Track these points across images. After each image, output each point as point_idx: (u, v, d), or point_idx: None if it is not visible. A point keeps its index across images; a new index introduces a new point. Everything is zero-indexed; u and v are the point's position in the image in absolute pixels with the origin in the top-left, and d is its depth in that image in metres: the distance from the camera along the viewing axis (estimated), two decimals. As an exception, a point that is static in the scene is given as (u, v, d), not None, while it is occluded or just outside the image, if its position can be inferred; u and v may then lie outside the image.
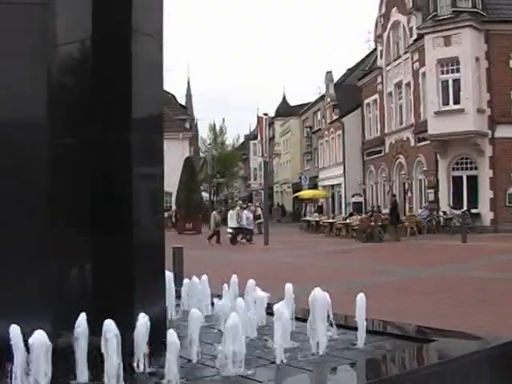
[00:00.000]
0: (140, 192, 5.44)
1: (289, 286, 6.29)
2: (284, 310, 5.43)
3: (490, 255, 26.13)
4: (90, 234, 5.33)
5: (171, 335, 4.46)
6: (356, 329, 5.70)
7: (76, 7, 5.50)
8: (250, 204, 60.41)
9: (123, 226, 5.33)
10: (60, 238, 5.42)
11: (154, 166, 5.78)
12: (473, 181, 40.20)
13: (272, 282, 8.63)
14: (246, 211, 40.78)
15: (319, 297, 5.54)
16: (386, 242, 34.47)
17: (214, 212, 41.88)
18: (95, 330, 4.43)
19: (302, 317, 6.12)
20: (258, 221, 49.77)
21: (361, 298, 5.68)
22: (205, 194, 76.78)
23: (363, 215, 42.76)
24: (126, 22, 5.41)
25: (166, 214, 54.81)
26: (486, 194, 39.33)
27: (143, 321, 4.67)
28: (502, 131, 39.38)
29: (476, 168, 39.99)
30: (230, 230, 37.61)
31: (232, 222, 38.01)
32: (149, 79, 5.71)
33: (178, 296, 7.59)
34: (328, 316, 5.55)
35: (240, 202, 53.17)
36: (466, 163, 40.60)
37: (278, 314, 5.30)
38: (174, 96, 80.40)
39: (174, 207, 57.58)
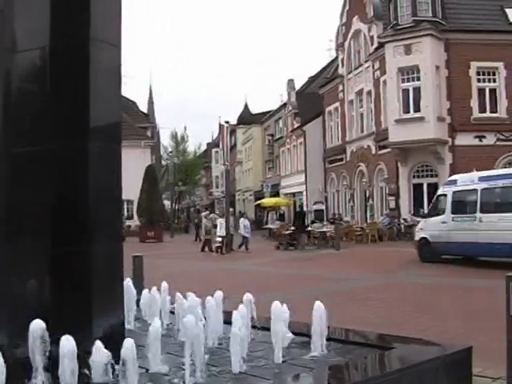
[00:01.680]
0: (98, 201, 5.38)
1: (248, 296, 6.25)
2: (242, 319, 5.41)
3: (449, 262, 26.29)
4: (47, 245, 5.25)
5: (128, 344, 4.41)
6: (315, 336, 5.68)
7: (34, 14, 5.44)
8: (209, 212, 60.59)
9: (81, 236, 5.28)
10: (18, 249, 5.35)
11: (112, 175, 5.71)
12: (433, 188, 40.33)
13: (230, 290, 8.61)
14: (242, 219, 40.51)
15: (278, 306, 5.53)
16: (345, 249, 34.58)
17: (204, 220, 41.59)
18: (53, 340, 4.37)
19: (261, 325, 6.10)
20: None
21: (319, 305, 5.66)
22: (167, 202, 76.60)
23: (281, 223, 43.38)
24: (84, 29, 5.37)
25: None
26: (446, 201, 39.56)
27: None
28: (462, 139, 39.74)
29: (436, 175, 40.27)
30: (219, 239, 37.09)
31: (222, 231, 37.57)
32: (107, 87, 5.66)
33: (138, 305, 7.55)
34: (287, 324, 5.53)
35: (211, 212, 53.27)
36: (427, 171, 40.91)
37: (235, 324, 5.27)
38: (135, 103, 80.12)
39: (135, 216, 57.31)
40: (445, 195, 26.73)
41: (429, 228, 26.83)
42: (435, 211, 27.30)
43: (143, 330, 6.22)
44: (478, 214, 24.23)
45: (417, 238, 27.82)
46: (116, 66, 5.88)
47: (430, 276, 22.02)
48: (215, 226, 39.10)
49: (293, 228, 39.52)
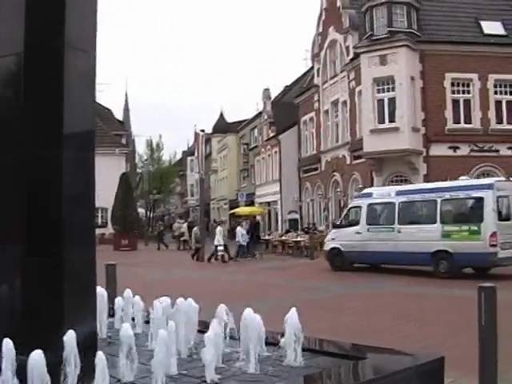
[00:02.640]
0: (71, 209, 5.34)
1: (222, 307, 6.24)
2: (216, 328, 5.38)
3: (423, 272, 26.43)
4: (19, 252, 5.21)
5: (100, 355, 4.38)
6: (289, 346, 5.67)
7: (8, 21, 5.41)
8: (180, 221, 60.73)
9: (54, 244, 5.23)
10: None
11: (85, 183, 5.68)
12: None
13: (206, 300, 8.58)
14: (239, 227, 40.30)
15: (251, 316, 5.51)
16: (320, 259, 34.59)
17: (195, 228, 41.40)
18: (24, 349, 4.32)
19: (236, 335, 6.07)
20: (183, 238, 50.19)
21: (292, 314, 5.64)
22: (141, 210, 76.39)
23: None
24: (58, 36, 5.34)
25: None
26: (420, 211, 39.75)
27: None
28: (436, 149, 39.94)
29: (411, 186, 40.45)
30: (221, 248, 36.83)
31: (221, 239, 37.40)
32: (81, 94, 5.64)
33: (111, 314, 7.49)
34: (261, 334, 5.51)
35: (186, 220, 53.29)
36: (401, 181, 41.03)
37: (209, 333, 5.24)
38: (110, 111, 79.88)
39: (109, 223, 57.11)
40: (358, 207, 28.54)
41: (341, 238, 28.33)
42: (348, 222, 29.06)
43: (115, 339, 6.17)
44: (397, 226, 26.46)
45: (327, 248, 29.24)
46: (91, 74, 5.85)
47: (405, 286, 22.12)
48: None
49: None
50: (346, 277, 25.97)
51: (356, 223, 28.30)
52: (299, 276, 27.48)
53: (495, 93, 41.05)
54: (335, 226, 30.49)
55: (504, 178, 26.84)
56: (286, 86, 74.22)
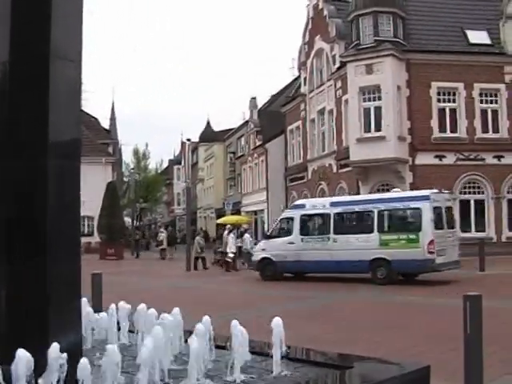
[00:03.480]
0: (56, 219, 5.31)
1: (206, 318, 6.22)
2: (199, 338, 5.36)
3: (406, 280, 26.48)
4: (3, 260, 5.17)
5: (84, 365, 4.36)
6: (275, 356, 5.65)
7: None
8: (162, 230, 60.87)
9: (39, 254, 5.20)
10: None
11: (71, 193, 5.65)
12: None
13: (197, 308, 8.57)
14: (247, 234, 40.25)
15: (237, 325, 5.50)
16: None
17: (197, 237, 41.34)
18: (7, 358, 4.29)
19: (221, 344, 6.05)
20: (161, 246, 50.19)
21: (277, 323, 5.63)
22: (127, 219, 76.23)
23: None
24: (44, 46, 5.32)
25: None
26: (406, 220, 39.87)
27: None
28: (422, 158, 40.12)
29: (397, 194, 40.54)
30: (231, 255, 36.77)
31: (233, 247, 37.38)
32: (67, 104, 5.61)
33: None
34: (245, 343, 5.50)
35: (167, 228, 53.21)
36: (388, 190, 40.99)
37: (193, 342, 5.22)
38: (97, 120, 79.84)
39: (95, 232, 57.01)
40: (290, 218, 29.32)
41: (273, 248, 28.96)
42: (279, 233, 29.75)
43: (101, 350, 6.13)
44: (332, 235, 27.51)
45: (257, 258, 29.88)
46: (76, 83, 5.84)
47: (394, 294, 22.15)
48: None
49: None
50: (329, 287, 25.96)
51: (288, 234, 29.03)
52: (283, 285, 27.41)
53: (481, 102, 41.32)
54: (266, 237, 30.89)
55: (437, 190, 28.18)
56: (273, 95, 74.40)
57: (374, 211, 26.86)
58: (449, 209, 27.85)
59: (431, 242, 25.15)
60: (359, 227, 27.91)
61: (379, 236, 26.40)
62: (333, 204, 28.75)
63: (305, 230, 28.83)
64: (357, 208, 28.04)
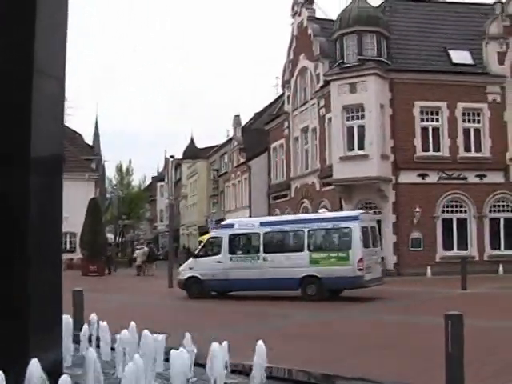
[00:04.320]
0: (37, 234, 5.29)
1: (187, 336, 6.21)
2: (182, 356, 5.35)
3: (391, 298, 26.55)
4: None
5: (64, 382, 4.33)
6: (256, 375, 5.62)
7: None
8: (139, 247, 60.82)
9: (18, 268, 5.16)
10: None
11: (53, 208, 5.63)
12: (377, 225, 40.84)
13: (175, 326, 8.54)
14: None
15: (217, 344, 5.49)
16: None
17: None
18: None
19: (202, 363, 6.02)
20: (137, 263, 50.17)
21: (260, 344, 5.62)
22: (110, 236, 75.96)
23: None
24: (28, 62, 5.31)
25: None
26: (389, 238, 39.94)
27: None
28: (405, 177, 40.25)
29: (380, 213, 40.56)
30: None
31: None
32: (50, 120, 5.61)
33: (77, 341, 7.40)
34: (226, 362, 5.48)
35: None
36: (370, 208, 41.15)
37: (174, 360, 5.21)
38: (80, 135, 79.62)
39: (78, 249, 56.72)
40: (218, 237, 29.87)
41: (200, 267, 29.28)
42: (206, 252, 30.17)
43: (81, 366, 6.09)
44: (262, 254, 28.09)
45: (183, 277, 30.10)
46: (59, 99, 5.83)
47: (382, 312, 22.14)
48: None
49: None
50: (312, 305, 25.92)
51: (216, 253, 29.41)
52: (262, 302, 27.34)
53: (463, 121, 41.54)
54: (193, 256, 31.11)
55: (363, 211, 30.44)
56: (256, 113, 74.49)
57: (305, 230, 27.68)
58: (373, 228, 28.91)
59: (361, 260, 26.13)
60: (289, 246, 28.80)
61: (309, 254, 27.18)
62: (262, 224, 29.51)
63: (234, 249, 29.35)
64: (287, 228, 28.91)
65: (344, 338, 16.33)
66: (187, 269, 30.35)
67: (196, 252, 31.92)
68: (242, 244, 30.25)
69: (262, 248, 28.31)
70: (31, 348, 5.03)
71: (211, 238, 31.13)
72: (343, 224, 27.39)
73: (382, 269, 29.33)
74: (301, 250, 27.44)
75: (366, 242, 27.24)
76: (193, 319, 20.73)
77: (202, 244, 32.42)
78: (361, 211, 31.22)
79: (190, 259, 31.45)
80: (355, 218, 27.43)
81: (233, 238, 29.58)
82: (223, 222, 33.29)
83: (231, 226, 30.44)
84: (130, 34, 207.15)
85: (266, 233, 28.65)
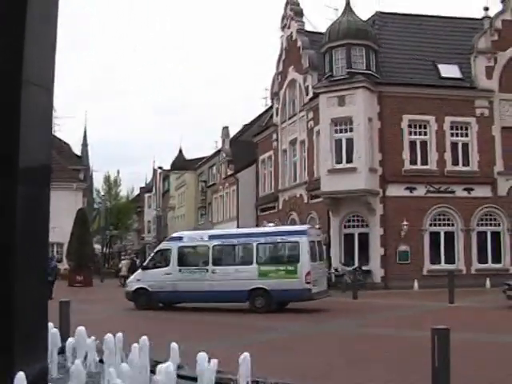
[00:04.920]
0: (24, 244, 5.25)
1: (174, 345, 6.19)
2: (168, 369, 5.32)
3: (379, 312, 26.55)
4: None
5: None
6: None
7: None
8: (123, 258, 60.69)
9: (3, 279, 5.12)
10: None
11: (39, 219, 5.59)
12: (364, 238, 40.88)
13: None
14: None
15: (204, 356, 5.47)
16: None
17: None
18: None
19: (189, 375, 6.00)
20: (121, 273, 50.04)
21: (244, 357, 5.60)
22: (97, 246, 75.80)
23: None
24: (16, 72, 5.28)
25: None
26: (376, 251, 40.00)
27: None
28: (393, 190, 40.31)
29: (367, 226, 40.66)
30: None
31: None
32: (38, 130, 5.58)
33: (63, 352, 7.35)
34: (213, 375, 5.46)
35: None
36: (358, 221, 41.24)
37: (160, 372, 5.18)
38: (68, 145, 79.55)
39: (64, 259, 56.51)
40: (167, 250, 30.17)
41: (149, 279, 29.57)
42: (155, 264, 30.45)
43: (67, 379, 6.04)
44: (211, 267, 28.59)
45: (131, 288, 30.38)
46: (48, 109, 5.82)
47: (369, 326, 22.12)
48: None
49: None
50: (300, 317, 25.88)
51: (165, 265, 29.74)
52: (254, 314, 27.32)
53: (451, 135, 41.66)
54: (142, 268, 31.29)
55: (310, 226, 31.67)
56: (245, 125, 74.49)
57: (254, 244, 28.22)
58: (319, 243, 29.94)
59: (308, 273, 26.86)
60: (238, 259, 29.52)
61: (258, 267, 27.75)
62: (211, 237, 30.06)
63: (182, 262, 29.66)
64: (236, 241, 29.55)
65: (326, 352, 16.30)
66: (135, 280, 30.66)
67: (144, 264, 31.98)
68: (191, 256, 30.66)
69: (211, 261, 28.80)
70: (16, 360, 4.99)
71: (160, 250, 31.42)
72: (292, 238, 28.12)
73: (328, 282, 30.74)
74: (250, 263, 28.05)
75: (313, 255, 28.01)
76: (160, 328, 20.66)
77: (151, 255, 32.74)
78: (308, 226, 32.35)
79: (139, 271, 31.72)
80: (303, 233, 28.29)
81: (182, 251, 30.02)
82: (172, 235, 33.56)
83: (180, 238, 30.82)
84: (131, 34, 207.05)
85: (215, 246, 29.17)
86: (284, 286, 26.78)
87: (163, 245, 31.90)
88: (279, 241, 28.57)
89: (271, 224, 35.71)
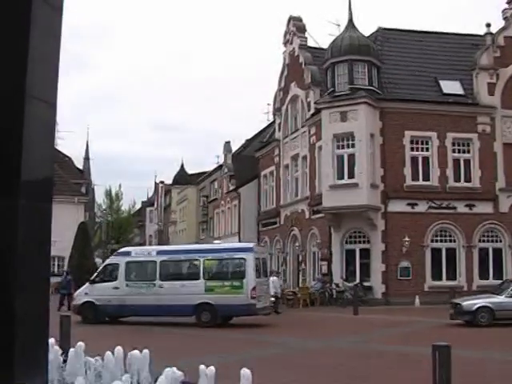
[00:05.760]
0: (25, 259, 5.25)
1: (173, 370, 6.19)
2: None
3: (379, 328, 26.49)
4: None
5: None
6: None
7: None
8: None
9: (4, 293, 5.11)
10: None
11: (41, 234, 5.60)
12: (365, 254, 40.82)
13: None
14: (274, 277, 37.60)
15: (204, 369, 5.45)
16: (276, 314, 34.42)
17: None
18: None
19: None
20: None
21: (244, 372, 5.58)
22: (98, 260, 75.76)
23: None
24: (19, 86, 5.29)
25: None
26: (377, 267, 39.94)
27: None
28: (395, 206, 40.30)
29: (369, 241, 40.63)
30: (273, 299, 35.71)
31: (275, 289, 36.07)
32: (41, 144, 5.59)
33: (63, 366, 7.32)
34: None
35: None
36: (359, 236, 41.21)
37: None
38: (70, 159, 79.58)
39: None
40: (115, 264, 30.75)
41: (96, 293, 29.98)
42: (102, 278, 30.85)
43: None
44: (158, 282, 29.23)
45: (79, 302, 30.78)
46: (51, 124, 5.82)
47: (369, 342, 22.07)
48: None
49: None
50: (301, 333, 25.80)
51: (113, 279, 30.23)
52: (252, 330, 27.27)
53: (453, 151, 41.68)
54: (90, 282, 31.52)
55: (256, 243, 33.16)
56: (247, 140, 74.55)
57: (201, 260, 29.09)
58: (264, 260, 31.09)
59: (254, 289, 27.79)
60: (185, 274, 30.17)
61: (205, 282, 28.51)
62: (159, 252, 30.93)
63: (130, 276, 30.21)
64: (183, 257, 30.53)
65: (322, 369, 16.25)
66: (83, 294, 31.01)
67: (92, 278, 32.02)
68: (138, 271, 30.94)
69: (158, 275, 29.42)
70: (16, 376, 4.98)
71: (108, 264, 31.86)
72: (238, 255, 29.06)
73: (270, 299, 31.53)
74: (196, 278, 28.72)
75: (259, 272, 29.02)
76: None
77: (99, 269, 33.08)
78: (254, 243, 33.69)
79: (86, 284, 31.86)
80: (249, 250, 29.17)
81: (130, 266, 30.47)
82: (120, 250, 34.02)
83: (128, 253, 31.44)
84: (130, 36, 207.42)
85: (162, 261, 29.76)
86: (229, 301, 27.48)
87: (111, 259, 32.40)
88: (226, 257, 29.49)
89: (218, 241, 37.82)
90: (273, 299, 35.17)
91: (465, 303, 26.73)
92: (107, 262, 32.79)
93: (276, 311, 34.67)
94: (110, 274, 30.73)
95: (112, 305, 29.13)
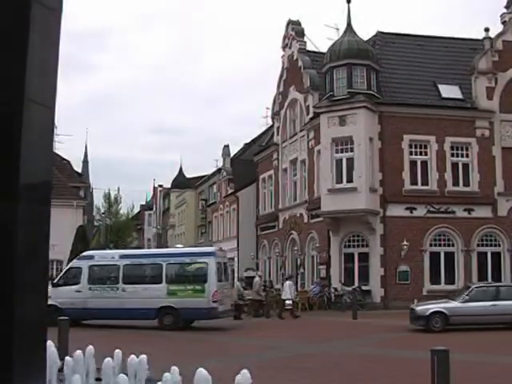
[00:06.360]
0: (23, 263, 5.24)
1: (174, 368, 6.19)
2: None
3: (378, 332, 26.46)
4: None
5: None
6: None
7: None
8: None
9: (2, 298, 5.10)
10: None
11: (40, 238, 5.58)
12: (364, 258, 40.80)
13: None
14: (289, 282, 37.59)
15: (202, 373, 5.45)
16: (274, 318, 34.43)
17: (256, 278, 39.61)
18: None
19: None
20: None
21: (243, 375, 5.58)
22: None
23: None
24: (18, 90, 5.28)
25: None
26: (376, 271, 39.93)
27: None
28: (393, 210, 40.28)
29: (367, 245, 40.62)
30: (289, 302, 35.83)
31: (289, 294, 36.23)
32: (39, 148, 5.57)
33: (61, 370, 7.33)
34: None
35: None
36: (358, 240, 41.19)
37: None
38: (69, 162, 79.49)
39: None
40: (78, 268, 31.06)
41: (59, 296, 29.59)
42: (66, 281, 31.09)
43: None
44: (121, 285, 29.68)
45: None
46: (49, 128, 5.81)
47: (368, 346, 22.08)
48: None
49: None
50: (300, 337, 25.78)
51: (76, 282, 30.52)
52: (253, 334, 27.24)
53: (452, 155, 41.68)
54: (53, 285, 31.42)
55: (218, 248, 33.23)
56: (246, 144, 74.59)
57: (163, 264, 29.49)
58: (225, 264, 31.39)
59: (215, 293, 28.31)
60: (148, 278, 30.44)
61: (167, 286, 29.01)
62: (122, 256, 31.19)
63: (93, 280, 30.53)
64: (145, 261, 31.07)
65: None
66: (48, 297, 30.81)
67: (55, 281, 32.10)
68: (101, 275, 31.22)
69: (121, 279, 29.84)
70: (15, 377, 4.97)
71: (71, 267, 32.04)
72: (200, 259, 29.55)
73: (231, 302, 31.67)
74: (159, 282, 29.19)
75: (220, 276, 29.49)
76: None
77: (62, 273, 33.20)
78: (216, 248, 34.09)
79: (49, 287, 31.86)
80: (211, 254, 29.86)
81: (93, 269, 30.82)
82: (83, 253, 33.95)
83: (91, 257, 31.72)
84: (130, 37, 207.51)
85: (125, 265, 30.20)
86: (192, 304, 28.02)
87: (74, 263, 32.59)
88: (188, 261, 29.78)
89: (180, 245, 38.77)
90: (289, 302, 35.49)
91: (418, 308, 26.75)
92: (70, 265, 33.05)
93: (294, 315, 35.07)
94: (72, 277, 30.96)
95: (75, 308, 29.13)
